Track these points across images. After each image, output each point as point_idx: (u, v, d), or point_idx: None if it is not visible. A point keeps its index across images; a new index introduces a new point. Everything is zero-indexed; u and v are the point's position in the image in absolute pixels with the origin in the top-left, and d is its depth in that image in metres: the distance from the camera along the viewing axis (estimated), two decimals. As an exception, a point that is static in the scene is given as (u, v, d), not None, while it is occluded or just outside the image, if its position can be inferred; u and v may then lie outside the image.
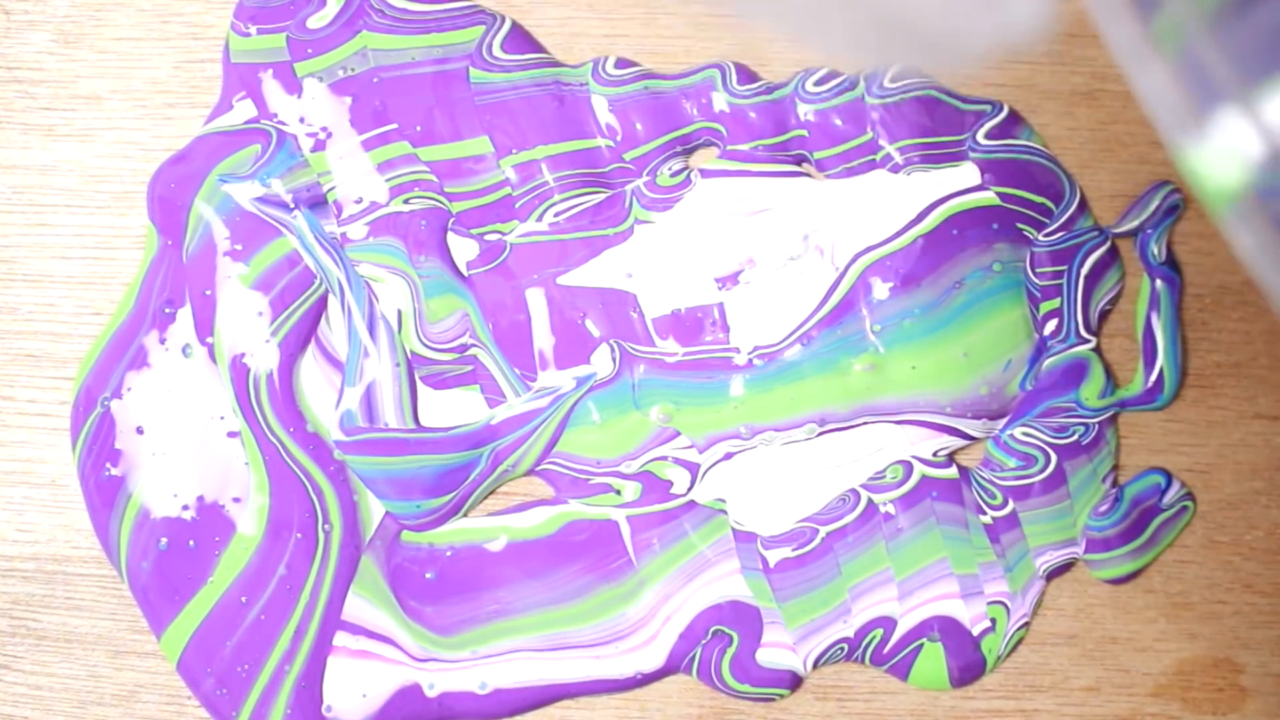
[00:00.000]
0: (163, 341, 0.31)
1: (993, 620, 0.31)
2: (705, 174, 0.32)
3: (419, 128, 0.31)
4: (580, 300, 0.31)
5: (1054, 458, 0.31)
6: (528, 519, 0.32)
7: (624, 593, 0.31)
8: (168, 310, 0.31)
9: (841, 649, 0.31)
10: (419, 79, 0.31)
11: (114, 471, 0.31)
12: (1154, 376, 0.31)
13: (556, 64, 0.32)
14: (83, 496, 0.31)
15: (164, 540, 0.31)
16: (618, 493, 0.31)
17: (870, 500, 0.31)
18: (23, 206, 0.32)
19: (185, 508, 0.31)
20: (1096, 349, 0.32)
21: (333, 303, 0.32)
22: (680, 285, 0.31)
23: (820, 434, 0.31)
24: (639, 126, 0.31)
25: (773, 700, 0.31)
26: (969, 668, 0.31)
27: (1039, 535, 0.31)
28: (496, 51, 0.31)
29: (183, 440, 0.31)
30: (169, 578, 0.31)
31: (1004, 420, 0.32)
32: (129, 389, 0.31)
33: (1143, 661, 0.32)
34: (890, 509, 0.31)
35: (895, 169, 0.31)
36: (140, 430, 0.31)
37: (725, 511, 0.32)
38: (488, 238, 0.32)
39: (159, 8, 0.32)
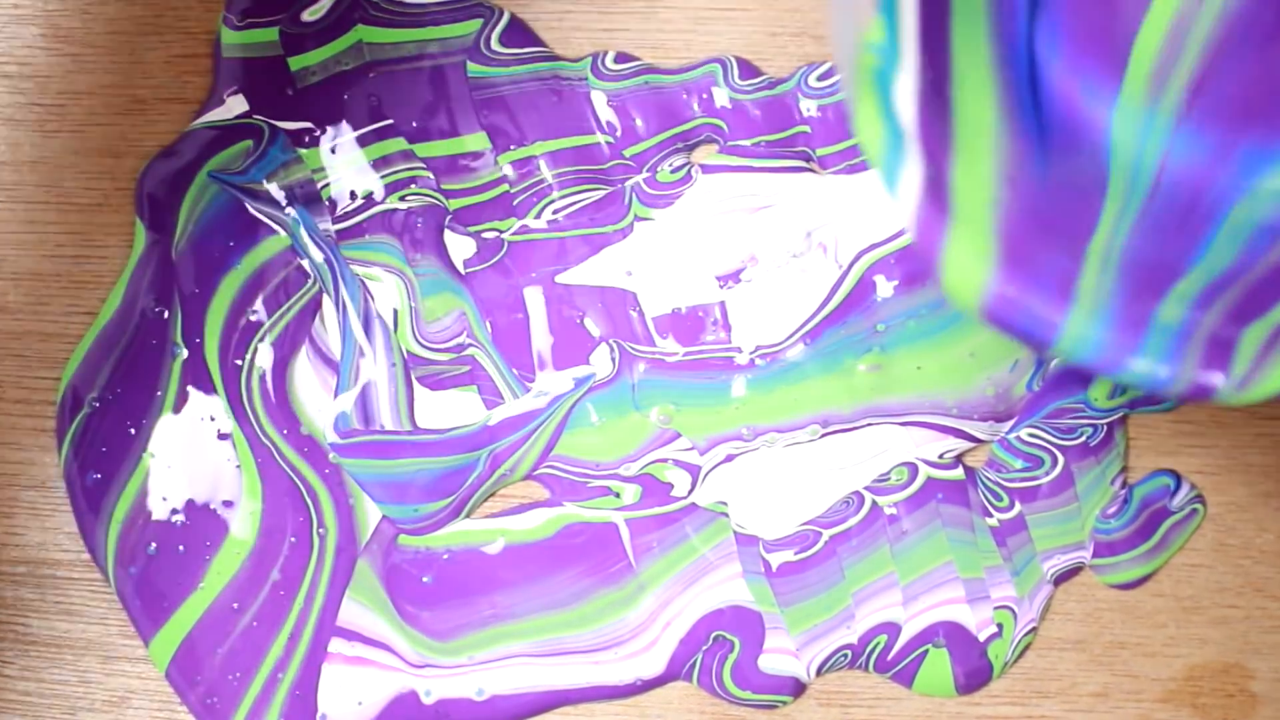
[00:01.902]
0: (151, 341, 0.31)
1: (999, 625, 0.31)
2: (706, 170, 0.31)
3: (415, 123, 0.31)
4: (579, 299, 0.31)
5: (1061, 459, 0.31)
6: (526, 521, 0.31)
7: (624, 597, 0.31)
8: (156, 309, 0.31)
9: (845, 655, 0.31)
10: (415, 73, 0.31)
11: (101, 474, 0.31)
12: (1163, 377, 0.31)
13: (555, 58, 0.31)
14: (69, 499, 0.31)
15: (153, 545, 0.31)
16: (617, 495, 0.31)
17: (874, 503, 0.31)
18: (11, 203, 0.32)
19: (175, 512, 0.31)
20: (1105, 349, 0.31)
21: (327, 302, 0.31)
22: (681, 283, 0.31)
23: (823, 435, 0.31)
24: (639, 122, 0.31)
25: (775, 707, 0.31)
26: (975, 674, 0.31)
27: (1046, 538, 0.31)
28: (494, 45, 0.31)
29: (172, 442, 0.31)
30: (158, 583, 0.30)
31: (1011, 422, 0.31)
32: (116, 389, 0.31)
33: (1152, 667, 0.31)
34: (894, 511, 0.31)
35: (900, 165, 0.31)
36: (129, 431, 0.31)
37: (727, 514, 0.31)
38: (485, 235, 0.31)
39: (151, 0, 0.32)
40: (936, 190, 0.19)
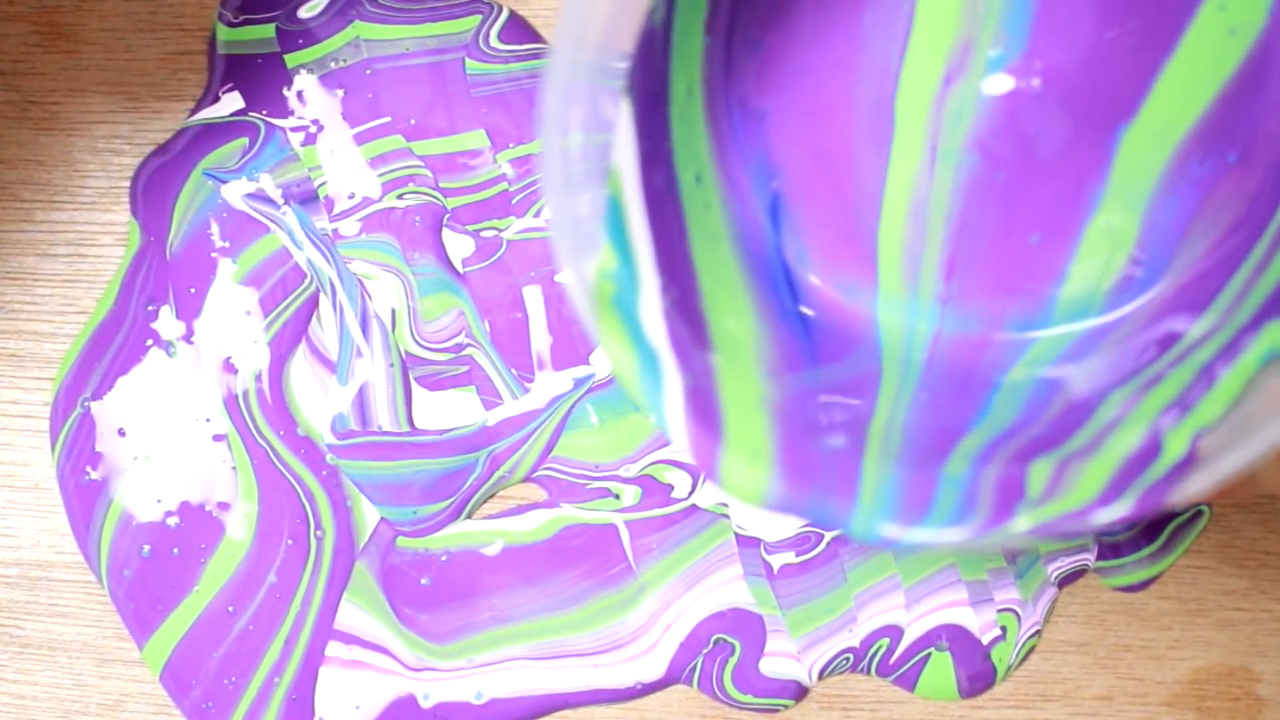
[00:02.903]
0: (145, 341, 0.31)
1: (1003, 628, 0.31)
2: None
3: (413, 121, 0.31)
4: (579, 299, 0.31)
5: (1065, 461, 0.31)
6: (525, 523, 0.31)
7: (623, 599, 0.31)
8: (150, 308, 0.31)
9: (847, 659, 0.30)
10: (413, 70, 0.31)
11: (94, 475, 0.30)
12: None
13: (555, 55, 0.31)
14: (62, 501, 0.31)
15: (147, 547, 0.30)
16: (617, 497, 0.31)
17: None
18: (5, 201, 0.32)
19: (169, 513, 0.30)
20: (1110, 349, 0.31)
21: (324, 301, 0.31)
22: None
23: (825, 436, 0.31)
24: (639, 120, 0.31)
25: (776, 711, 0.31)
26: (978, 677, 0.31)
27: (1050, 541, 0.31)
28: (493, 42, 0.31)
29: (167, 443, 0.30)
30: (152, 586, 0.30)
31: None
32: (110, 390, 0.31)
33: (1157, 670, 0.31)
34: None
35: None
36: (122, 432, 0.30)
37: (728, 516, 0.31)
38: (484, 234, 0.31)
39: (145, -3, 0.32)
40: (702, 404, 0.19)
